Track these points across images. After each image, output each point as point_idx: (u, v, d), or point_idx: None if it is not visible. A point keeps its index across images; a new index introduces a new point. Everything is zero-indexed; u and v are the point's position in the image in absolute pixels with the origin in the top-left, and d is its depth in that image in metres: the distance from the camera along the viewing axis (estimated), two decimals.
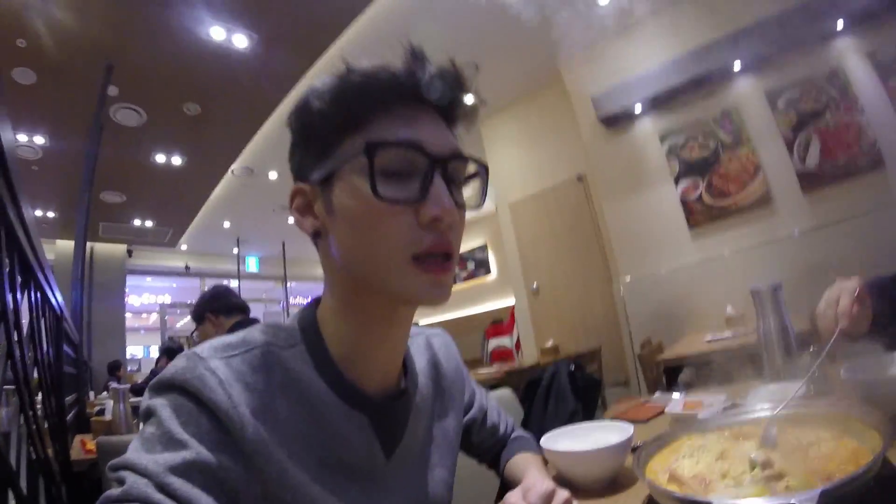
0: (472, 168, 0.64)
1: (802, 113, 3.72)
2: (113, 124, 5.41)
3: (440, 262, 0.58)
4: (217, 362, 0.55)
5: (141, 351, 13.33)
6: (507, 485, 0.89)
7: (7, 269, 1.02)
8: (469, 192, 0.65)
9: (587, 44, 4.81)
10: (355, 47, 4.49)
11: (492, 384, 3.46)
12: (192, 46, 4.44)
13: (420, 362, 0.78)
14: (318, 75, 0.65)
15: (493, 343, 5.95)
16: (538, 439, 0.95)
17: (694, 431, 0.79)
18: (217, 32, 4.33)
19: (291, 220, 0.66)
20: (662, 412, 1.25)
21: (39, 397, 1.52)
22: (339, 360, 0.62)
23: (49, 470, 1.30)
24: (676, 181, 4.30)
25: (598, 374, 4.08)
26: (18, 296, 1.10)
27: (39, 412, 1.49)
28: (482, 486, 1.10)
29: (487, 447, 0.97)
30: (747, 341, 2.39)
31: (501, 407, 1.03)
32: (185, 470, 0.48)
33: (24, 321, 1.21)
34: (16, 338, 1.07)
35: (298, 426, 0.58)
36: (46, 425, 1.58)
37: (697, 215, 4.19)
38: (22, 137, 5.65)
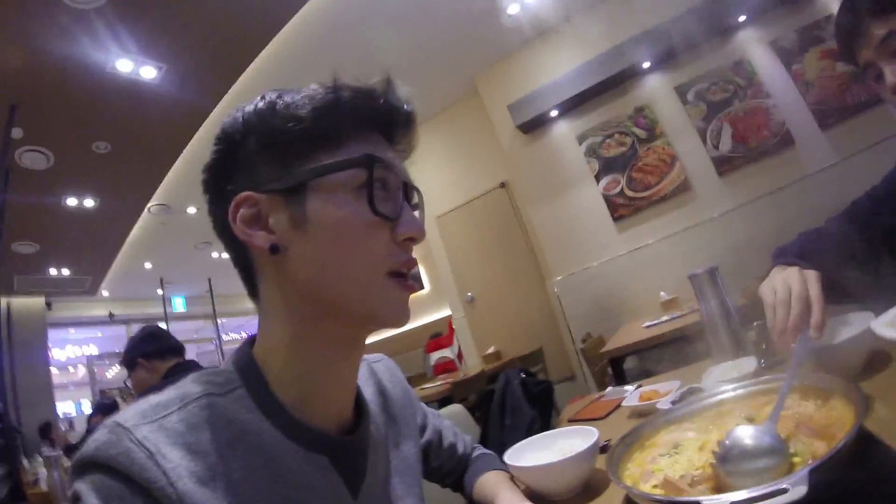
0: (416, 198, 0.65)
1: (712, 103, 3.99)
2: (20, 169, 5.07)
3: (408, 280, 0.60)
4: (146, 430, 0.48)
5: (73, 407, 12.44)
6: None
7: None
8: None
9: (500, 55, 4.95)
10: (266, 76, 4.41)
11: (440, 398, 3.46)
12: (98, 81, 4.20)
13: (367, 391, 0.75)
14: (230, 106, 0.62)
15: (435, 356, 5.90)
16: (500, 455, 0.94)
17: (661, 425, 0.78)
18: (124, 65, 4.13)
19: (230, 239, 0.60)
20: (619, 406, 1.27)
21: None
22: (287, 400, 0.57)
23: None
24: (598, 179, 4.48)
25: (544, 374, 4.16)
26: None
27: None
28: None
29: (449, 469, 0.95)
30: (685, 323, 2.51)
31: (456, 425, 1.02)
32: None
33: None
34: None
35: (255, 484, 0.51)
36: None
37: (621, 209, 4.38)
38: None
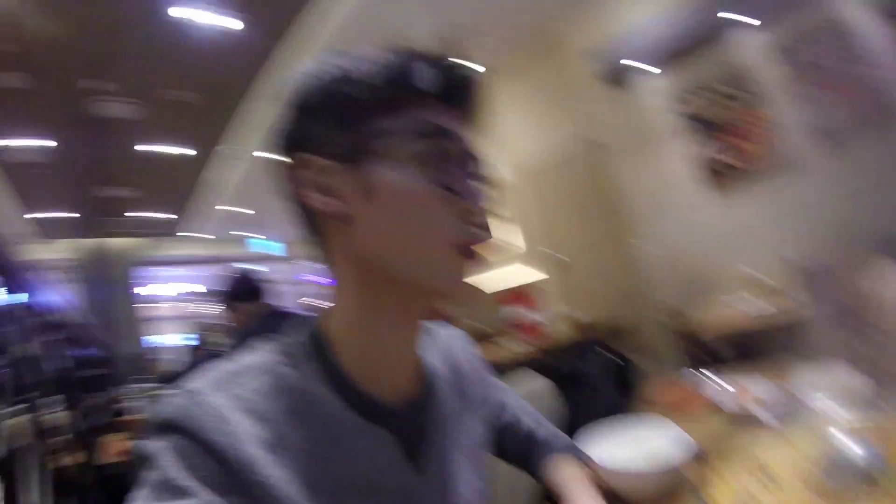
0: (483, 169, 0.63)
1: (823, 67, 3.48)
2: (112, 120, 5.37)
3: (475, 253, 0.58)
4: (219, 397, 0.51)
5: (168, 339, 13.51)
6: (548, 492, 0.84)
7: None
8: None
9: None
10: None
11: (521, 362, 3.34)
12: (182, 33, 4.39)
13: (438, 365, 0.72)
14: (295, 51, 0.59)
15: (512, 312, 5.85)
16: (572, 435, 0.90)
17: (757, 440, 0.71)
18: (206, 17, 4.27)
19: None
20: (710, 404, 1.18)
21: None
22: (353, 371, 0.58)
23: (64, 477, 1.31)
24: (693, 141, 4.13)
25: (628, 346, 4.02)
26: None
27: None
28: (516, 490, 1.05)
29: (522, 451, 0.91)
30: (780, 312, 2.31)
31: (533, 402, 0.98)
32: None
33: None
34: None
35: (316, 453, 0.53)
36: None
37: (718, 176, 4.04)
38: (21, 142, 5.63)
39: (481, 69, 0.61)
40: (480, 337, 6.10)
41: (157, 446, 0.48)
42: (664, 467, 0.75)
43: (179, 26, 4.28)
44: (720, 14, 3.79)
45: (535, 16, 4.86)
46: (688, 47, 4.04)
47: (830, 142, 3.48)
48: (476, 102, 0.61)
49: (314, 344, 0.59)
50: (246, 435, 0.49)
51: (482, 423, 0.77)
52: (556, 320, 5.26)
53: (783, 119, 3.66)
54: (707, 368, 1.69)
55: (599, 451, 0.85)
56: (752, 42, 3.79)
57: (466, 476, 0.69)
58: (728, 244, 3.92)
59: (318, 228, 0.60)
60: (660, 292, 4.38)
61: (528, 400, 1.58)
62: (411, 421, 0.62)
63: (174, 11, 4.12)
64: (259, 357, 0.58)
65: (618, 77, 4.48)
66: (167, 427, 0.49)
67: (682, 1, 4.00)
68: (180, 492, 0.45)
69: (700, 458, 0.70)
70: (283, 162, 0.59)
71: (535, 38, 5.19)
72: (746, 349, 2.24)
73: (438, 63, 0.57)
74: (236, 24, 4.35)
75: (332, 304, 0.61)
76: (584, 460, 0.86)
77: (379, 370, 0.59)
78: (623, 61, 4.33)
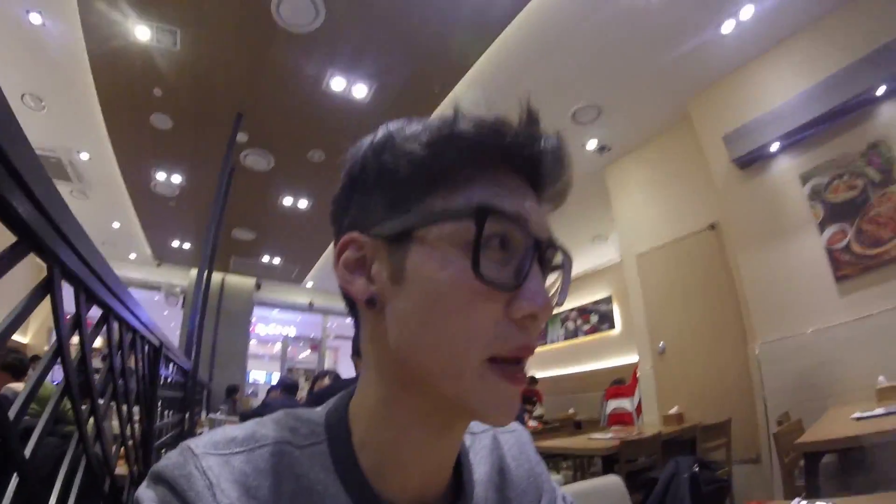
0: (558, 258, 0.52)
1: None
2: (243, 168, 5.90)
3: (518, 371, 0.46)
4: (212, 460, 0.47)
5: (263, 377, 14.16)
6: None
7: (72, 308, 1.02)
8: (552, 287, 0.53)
9: (714, 78, 4.51)
10: (470, 98, 4.56)
11: (607, 455, 3.20)
12: (315, 96, 4.72)
13: (481, 469, 0.63)
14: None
15: (613, 405, 5.59)
16: None
17: None
18: (338, 83, 4.58)
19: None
20: None
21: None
22: (367, 466, 0.50)
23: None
24: (821, 228, 3.77)
25: (726, 451, 3.61)
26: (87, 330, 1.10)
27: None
28: None
29: None
30: None
31: (601, 499, 0.84)
32: None
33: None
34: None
35: None
36: (131, 444, 1.60)
37: (846, 267, 3.62)
38: (161, 176, 6.32)
39: (557, 140, 0.50)
40: (575, 426, 5.86)
41: (146, 495, 0.46)
42: None
43: (318, 90, 4.65)
44: (855, 86, 3.51)
45: (668, 97, 4.84)
46: (821, 125, 3.78)
47: None
48: (558, 178, 0.51)
49: (331, 426, 0.53)
50: None
51: None
52: (652, 409, 4.99)
53: None
54: (808, 484, 1.43)
55: None
56: (889, 115, 3.49)
57: None
58: (855, 346, 3.45)
59: (353, 309, 0.55)
60: (769, 395, 3.92)
61: (593, 496, 1.42)
62: None
63: (314, 76, 4.49)
64: (265, 428, 0.52)
65: (751, 161, 4.26)
66: (158, 478, 0.47)
67: (814, 76, 3.79)
68: None
69: None
70: (335, 232, 0.55)
71: (664, 118, 5.14)
72: (863, 463, 1.91)
73: (501, 129, 0.47)
74: (363, 92, 4.64)
75: (358, 389, 0.55)
76: None
77: (396, 470, 0.52)
78: (757, 144, 4.11)
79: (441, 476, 0.55)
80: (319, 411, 0.56)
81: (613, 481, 1.50)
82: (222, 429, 0.52)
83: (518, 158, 0.48)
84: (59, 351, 0.93)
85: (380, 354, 0.51)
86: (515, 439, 0.72)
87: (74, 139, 5.54)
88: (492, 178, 0.47)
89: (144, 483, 0.48)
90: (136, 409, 1.69)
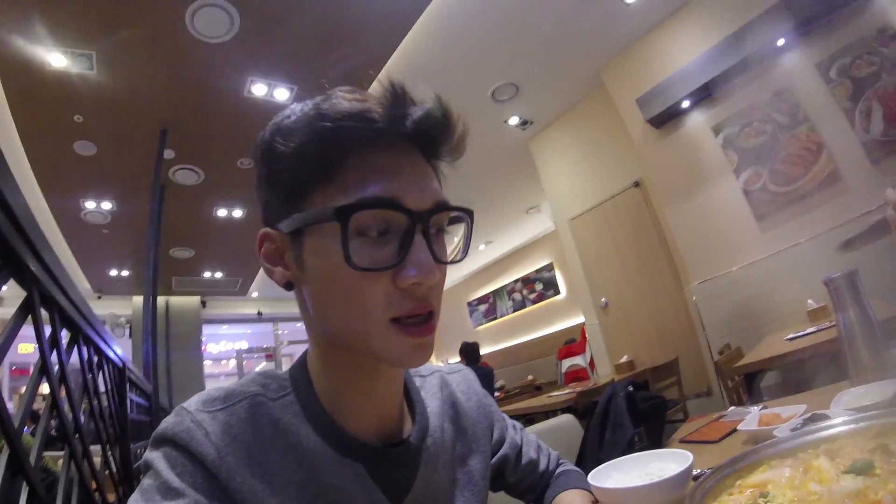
0: (455, 214, 0.58)
1: (858, 79, 3.41)
2: (173, 185, 5.73)
3: (421, 323, 0.55)
4: (203, 415, 0.55)
5: None
6: None
7: (50, 328, 1.05)
8: (452, 242, 0.61)
9: (623, 46, 4.71)
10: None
11: (565, 407, 3.35)
12: (238, 104, 4.64)
13: (433, 404, 0.74)
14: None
15: (567, 363, 5.74)
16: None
17: (763, 458, 0.64)
18: (259, 89, 4.53)
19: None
20: (735, 430, 1.12)
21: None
22: (329, 409, 0.60)
23: None
24: (737, 173, 4.04)
25: (678, 388, 3.86)
26: (64, 354, 1.13)
27: (99, 461, 1.54)
28: None
29: (528, 485, 0.89)
30: (832, 336, 2.16)
31: (551, 438, 0.96)
32: None
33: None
34: (63, 393, 1.10)
35: (290, 476, 0.56)
36: (107, 472, 1.62)
37: (764, 206, 3.90)
38: (90, 204, 6.06)
39: (435, 104, 0.54)
40: (535, 390, 6.06)
41: (153, 456, 0.53)
42: (660, 484, 0.70)
43: (239, 98, 4.58)
44: (755, 40, 3.75)
45: (582, 68, 4.99)
46: (726, 80, 4.01)
47: (877, 154, 3.37)
48: (441, 138, 0.56)
49: (295, 379, 0.63)
50: (225, 449, 0.53)
51: (483, 460, 0.77)
52: (604, 362, 5.25)
53: (830, 136, 3.56)
54: (751, 402, 1.60)
55: (602, 478, 0.81)
56: (790, 64, 3.73)
57: None
58: (782, 275, 3.74)
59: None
60: (710, 331, 4.20)
61: (550, 433, 1.56)
62: (390, 458, 0.62)
63: (234, 85, 4.43)
64: (241, 386, 0.61)
65: (665, 119, 4.48)
66: (161, 440, 0.54)
67: (716, 35, 4.01)
68: (172, 493, 0.50)
69: (701, 477, 0.64)
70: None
71: (580, 88, 5.32)
72: (798, 377, 2.10)
73: (366, 115, 0.51)
74: (284, 95, 4.61)
75: (309, 346, 0.64)
76: (586, 486, 0.82)
77: (352, 411, 0.61)
78: (669, 103, 4.32)
79: (391, 409, 0.65)
80: (284, 371, 0.66)
81: (568, 419, 1.66)
82: (206, 391, 0.60)
83: (388, 136, 0.52)
84: (44, 368, 0.97)
85: (309, 322, 0.61)
86: (462, 377, 0.83)
87: None
88: (365, 163, 0.52)
89: (148, 449, 0.56)
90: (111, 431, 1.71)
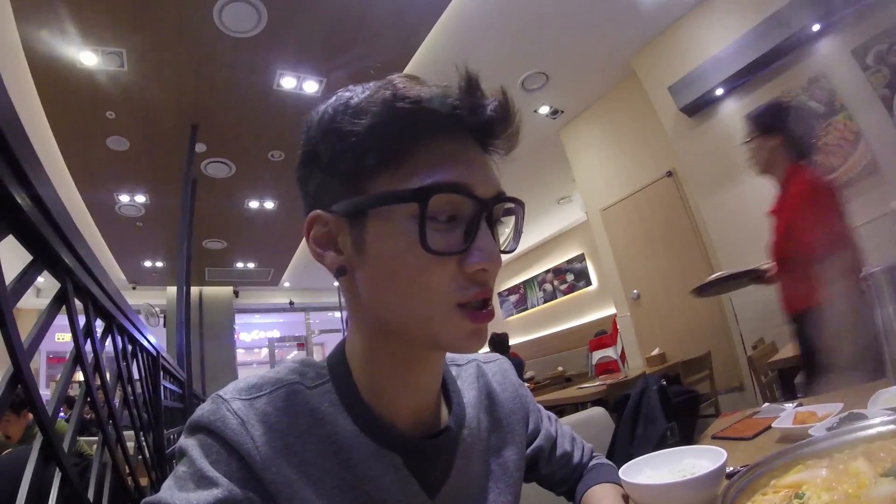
0: (509, 205, 0.58)
1: (895, 66, 3.28)
2: (205, 178, 5.84)
3: (483, 308, 0.55)
4: (239, 403, 0.55)
5: None
6: None
7: (84, 318, 1.08)
8: (505, 233, 0.61)
9: (654, 33, 4.61)
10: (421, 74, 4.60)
11: (595, 399, 3.33)
12: (268, 97, 4.71)
13: (469, 394, 0.73)
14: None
15: (598, 355, 5.72)
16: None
17: (798, 458, 0.63)
18: (288, 82, 4.58)
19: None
20: (769, 427, 1.09)
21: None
22: (368, 398, 0.60)
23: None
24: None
25: (710, 382, 3.78)
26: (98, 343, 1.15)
27: (132, 447, 1.58)
28: None
29: (561, 478, 0.88)
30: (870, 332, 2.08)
31: (582, 430, 0.95)
32: None
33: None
34: (98, 382, 1.12)
35: (326, 466, 0.56)
36: (140, 457, 1.65)
37: None
38: (124, 198, 6.23)
39: (502, 97, 0.55)
40: (565, 381, 6.03)
41: (188, 443, 0.54)
42: (693, 482, 0.69)
43: (268, 91, 4.64)
44: (789, 26, 3.63)
45: (612, 56, 4.91)
46: (760, 66, 3.90)
47: None
48: (502, 129, 0.57)
49: (333, 367, 0.62)
50: (261, 438, 0.53)
51: (518, 451, 0.76)
52: (635, 354, 5.19)
53: (867, 125, 3.43)
54: (787, 400, 1.56)
55: (634, 473, 0.81)
56: (825, 50, 3.61)
57: (494, 500, 0.69)
58: None
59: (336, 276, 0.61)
60: (744, 325, 4.10)
61: (581, 426, 1.54)
62: (427, 449, 0.62)
63: (263, 79, 4.48)
64: (279, 374, 0.61)
65: (698, 107, 4.37)
66: (196, 427, 0.55)
67: (750, 20, 3.89)
68: (206, 482, 0.50)
69: (734, 475, 0.62)
70: (304, 202, 0.61)
71: (611, 77, 5.24)
72: (836, 375, 2.04)
73: (438, 103, 0.51)
74: (313, 87, 4.64)
75: (349, 336, 0.64)
76: (617, 481, 0.81)
77: (391, 401, 0.61)
78: (702, 91, 4.21)
79: (429, 400, 0.65)
80: (321, 359, 0.65)
81: (599, 412, 1.62)
82: (243, 378, 0.60)
83: (463, 124, 0.53)
84: (78, 357, 1.00)
85: (356, 309, 0.60)
86: (498, 367, 0.82)
87: None
88: (435, 149, 0.52)
89: (183, 435, 0.56)
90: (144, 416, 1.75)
